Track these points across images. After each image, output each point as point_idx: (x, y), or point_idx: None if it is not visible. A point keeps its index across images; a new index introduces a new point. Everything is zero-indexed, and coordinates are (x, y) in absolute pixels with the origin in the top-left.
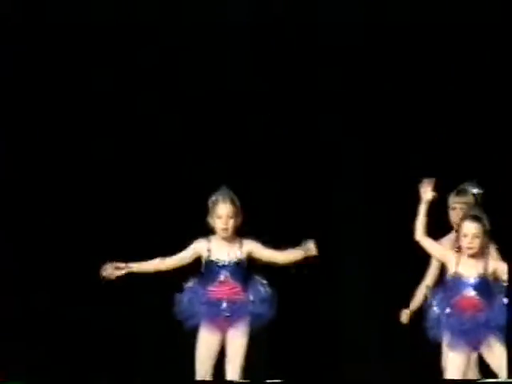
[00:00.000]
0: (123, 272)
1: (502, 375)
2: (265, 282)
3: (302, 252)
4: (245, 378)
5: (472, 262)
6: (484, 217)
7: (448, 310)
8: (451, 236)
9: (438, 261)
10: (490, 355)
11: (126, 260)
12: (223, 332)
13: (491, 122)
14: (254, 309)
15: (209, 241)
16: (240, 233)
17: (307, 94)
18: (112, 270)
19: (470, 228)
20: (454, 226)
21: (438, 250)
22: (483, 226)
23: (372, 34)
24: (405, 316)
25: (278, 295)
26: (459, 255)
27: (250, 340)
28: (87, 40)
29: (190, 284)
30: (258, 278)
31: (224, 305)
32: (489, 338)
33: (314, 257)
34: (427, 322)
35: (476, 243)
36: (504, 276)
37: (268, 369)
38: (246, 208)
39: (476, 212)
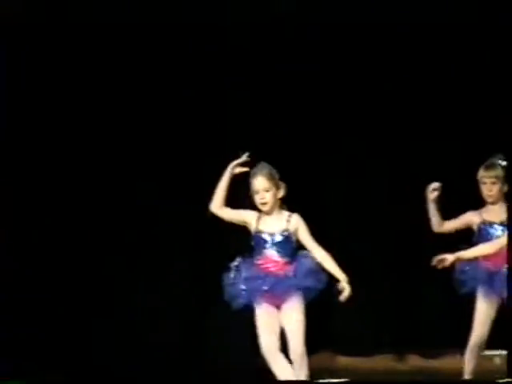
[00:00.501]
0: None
1: None
2: (311, 255)
3: (340, 277)
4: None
5: None
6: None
7: None
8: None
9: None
10: None
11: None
12: (277, 307)
13: None
14: (299, 282)
15: (258, 214)
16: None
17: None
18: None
19: None
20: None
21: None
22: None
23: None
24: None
25: None
26: None
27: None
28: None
29: (235, 262)
30: (304, 251)
31: (265, 281)
32: None
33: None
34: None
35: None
36: None
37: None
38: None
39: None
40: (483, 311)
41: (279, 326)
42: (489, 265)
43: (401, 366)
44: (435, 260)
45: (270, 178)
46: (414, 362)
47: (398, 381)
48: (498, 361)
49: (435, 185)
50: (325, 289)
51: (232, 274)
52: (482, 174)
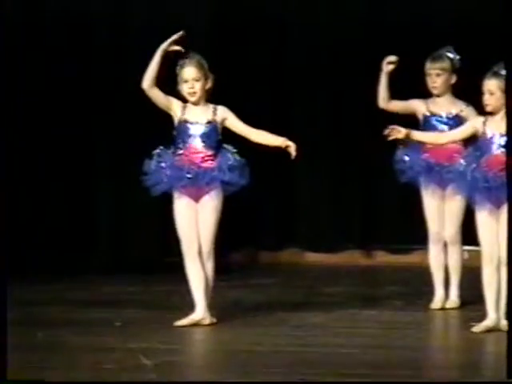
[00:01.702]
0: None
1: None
2: (235, 150)
3: (280, 141)
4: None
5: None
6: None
7: (474, 166)
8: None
9: None
10: None
11: None
12: (196, 200)
13: None
14: (222, 176)
15: (184, 104)
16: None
17: None
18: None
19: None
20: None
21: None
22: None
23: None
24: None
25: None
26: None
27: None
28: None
29: (158, 150)
30: (228, 146)
31: (189, 170)
32: None
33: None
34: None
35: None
36: None
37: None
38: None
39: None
40: (427, 203)
41: (195, 218)
42: (428, 157)
43: (368, 262)
44: (388, 129)
45: (200, 67)
46: (381, 257)
47: (365, 275)
48: (465, 255)
49: (392, 58)
50: (289, 185)
51: (154, 162)
52: (427, 65)
